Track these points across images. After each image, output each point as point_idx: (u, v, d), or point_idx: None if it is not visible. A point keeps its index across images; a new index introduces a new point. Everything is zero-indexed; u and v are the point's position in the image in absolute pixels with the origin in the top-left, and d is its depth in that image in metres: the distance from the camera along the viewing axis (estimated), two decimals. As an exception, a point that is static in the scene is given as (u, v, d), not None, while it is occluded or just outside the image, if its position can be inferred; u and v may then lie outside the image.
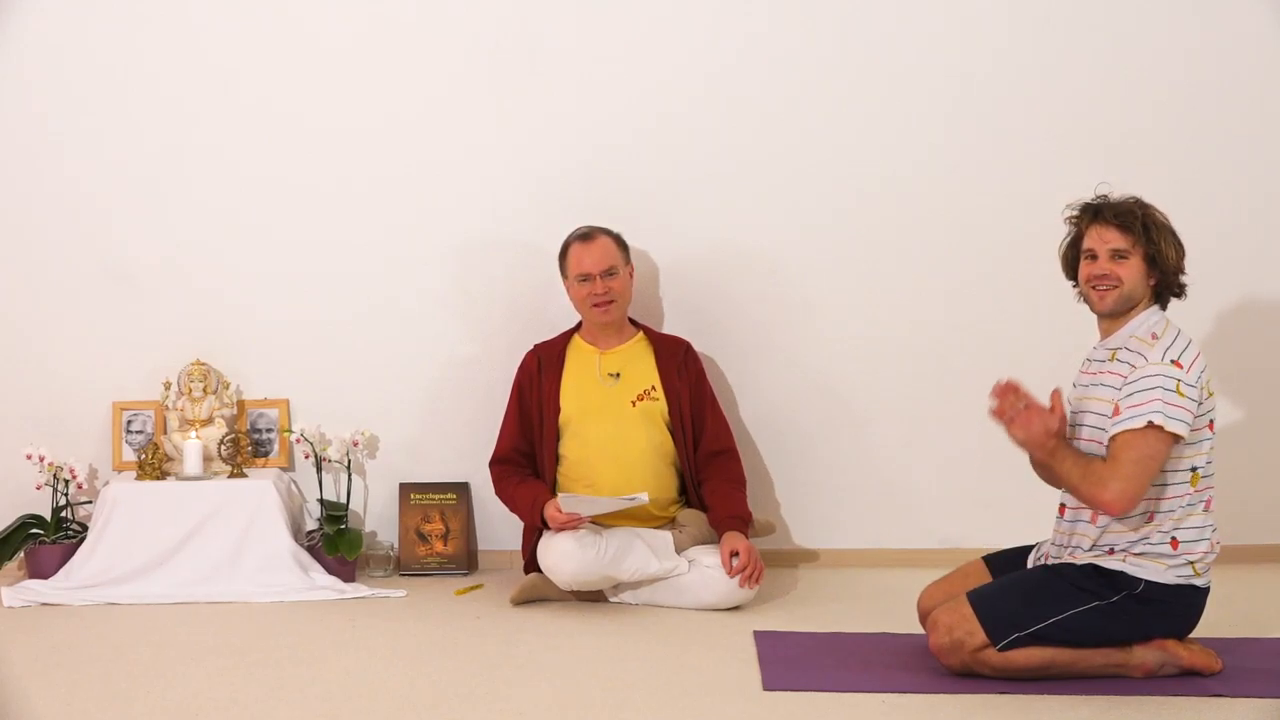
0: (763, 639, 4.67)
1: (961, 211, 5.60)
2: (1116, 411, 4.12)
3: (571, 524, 5.00)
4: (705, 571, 5.00)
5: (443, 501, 5.56)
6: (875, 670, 4.35)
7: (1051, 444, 4.15)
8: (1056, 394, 4.22)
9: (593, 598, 5.08)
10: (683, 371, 5.32)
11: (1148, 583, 4.16)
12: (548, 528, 5.07)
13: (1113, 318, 4.30)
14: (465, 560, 5.56)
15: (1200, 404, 4.13)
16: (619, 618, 4.93)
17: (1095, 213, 4.29)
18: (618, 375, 5.27)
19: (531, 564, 5.18)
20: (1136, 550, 4.17)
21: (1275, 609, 5.01)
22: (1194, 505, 4.17)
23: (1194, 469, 4.17)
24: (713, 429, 5.32)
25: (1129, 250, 4.25)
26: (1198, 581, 4.20)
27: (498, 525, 5.60)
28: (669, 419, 5.25)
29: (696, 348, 5.42)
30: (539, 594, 5.09)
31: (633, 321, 5.39)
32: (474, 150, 5.56)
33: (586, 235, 5.25)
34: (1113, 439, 4.11)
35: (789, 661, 4.44)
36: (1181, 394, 4.08)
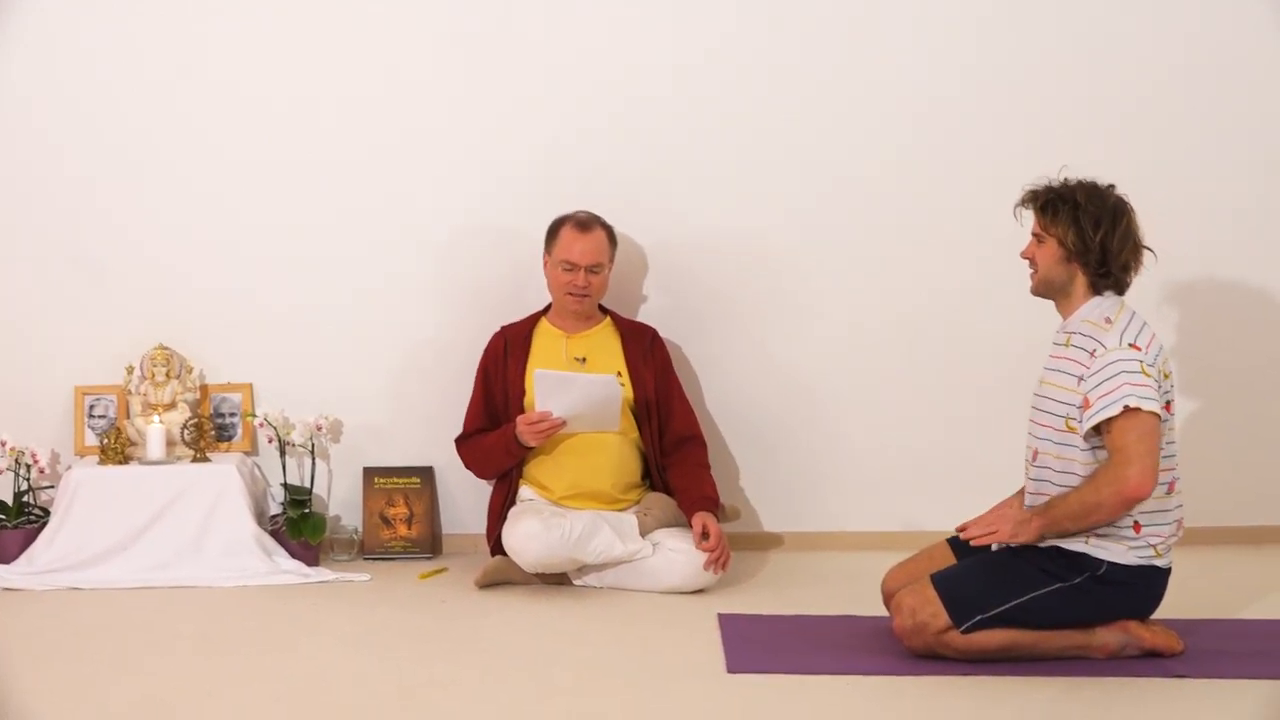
0: (727, 622, 4.66)
1: (934, 199, 5.59)
2: (1087, 405, 4.12)
3: (548, 429, 4.99)
4: (670, 555, 4.99)
5: (407, 485, 5.54)
6: (839, 652, 4.34)
7: (1035, 524, 4.16)
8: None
9: (557, 580, 5.07)
10: (649, 358, 5.31)
11: (1110, 564, 4.16)
12: (523, 449, 5.08)
13: (1057, 301, 4.31)
14: (429, 544, 5.54)
15: (1159, 385, 4.12)
16: (583, 600, 4.92)
17: (1030, 195, 4.31)
18: (584, 359, 5.25)
19: (496, 547, 5.16)
20: (1099, 532, 4.16)
21: (1237, 590, 5.02)
22: (1157, 488, 4.16)
23: None
24: (679, 415, 5.32)
25: (1042, 234, 4.26)
26: (1159, 563, 4.20)
27: (462, 509, 5.58)
28: (634, 404, 5.24)
29: (661, 333, 5.41)
30: (503, 577, 5.08)
31: (600, 307, 5.37)
32: (442, 134, 5.53)
33: (584, 225, 5.23)
34: (1107, 435, 4.10)
35: (753, 644, 4.44)
36: (1146, 374, 4.09)
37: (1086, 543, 4.17)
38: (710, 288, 5.62)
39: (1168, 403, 4.19)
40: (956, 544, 4.45)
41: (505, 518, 5.13)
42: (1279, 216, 5.65)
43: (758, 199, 5.59)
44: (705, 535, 5.01)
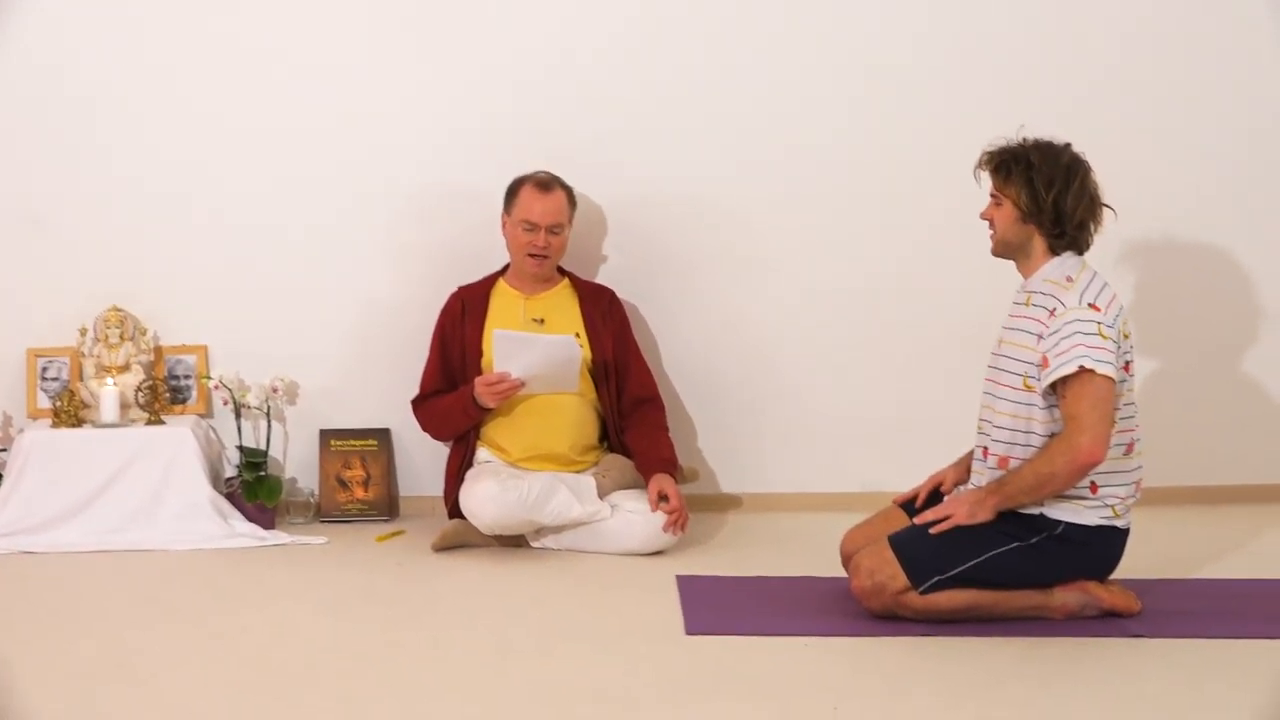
0: (685, 583, 4.66)
1: (893, 159, 5.57)
2: (1045, 363, 4.11)
3: (506, 390, 4.99)
4: (628, 516, 4.99)
5: (363, 447, 5.52)
6: (798, 614, 4.35)
7: (991, 501, 4.17)
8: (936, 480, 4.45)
9: (515, 543, 5.06)
10: (607, 319, 5.29)
11: (1067, 524, 4.17)
12: (481, 411, 5.07)
13: (1017, 261, 4.30)
14: (386, 506, 5.52)
15: (1118, 346, 4.12)
16: (541, 563, 4.92)
17: (985, 157, 4.30)
18: (542, 321, 5.23)
19: (454, 510, 5.14)
20: (1065, 492, 4.16)
21: (1195, 550, 5.04)
22: (1115, 449, 4.16)
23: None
24: (636, 376, 5.31)
25: (998, 195, 4.26)
26: (1118, 523, 4.21)
27: (419, 471, 5.57)
28: (592, 366, 5.22)
29: (619, 294, 5.39)
30: (461, 540, 5.07)
31: (559, 268, 5.35)
32: (399, 94, 5.49)
33: (545, 185, 5.20)
34: (1062, 400, 4.10)
35: (711, 605, 4.44)
36: (1104, 335, 4.08)
37: (1042, 503, 4.17)
38: (668, 248, 5.59)
39: (1127, 363, 4.18)
40: (909, 507, 4.45)
41: (463, 480, 5.11)
42: (1240, 174, 5.65)
43: (716, 160, 5.56)
44: (663, 498, 4.99)
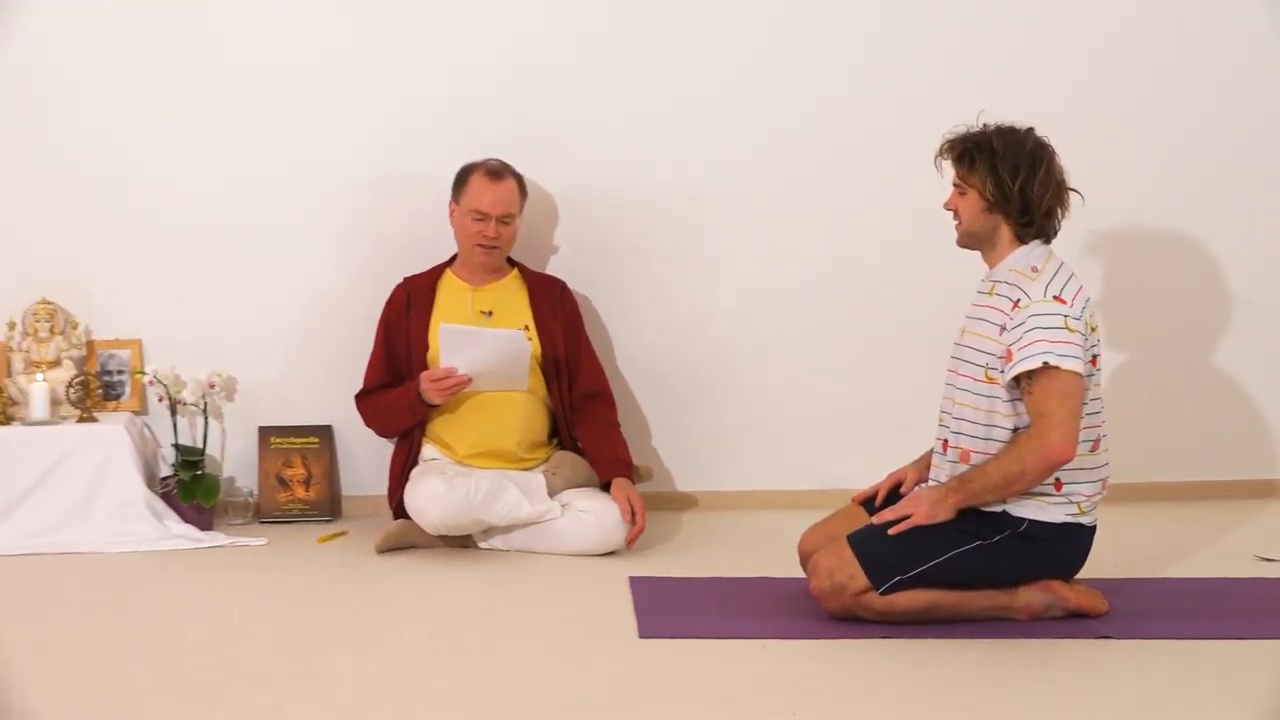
0: (639, 585, 4.66)
1: (853, 148, 5.59)
2: (1009, 356, 4.12)
3: (453, 386, 4.98)
4: (579, 515, 4.99)
5: (305, 445, 5.51)
6: (755, 615, 4.35)
7: (951, 500, 4.17)
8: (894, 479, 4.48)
9: (462, 543, 5.05)
10: (557, 311, 5.28)
11: (1031, 521, 4.18)
12: (427, 407, 5.06)
13: (983, 251, 4.31)
14: (328, 506, 5.51)
15: (1085, 339, 4.13)
16: (489, 564, 4.91)
17: (947, 145, 4.30)
18: (490, 313, 5.22)
19: (399, 509, 5.13)
20: (1032, 491, 4.17)
21: (1163, 548, 5.07)
22: (1081, 446, 4.17)
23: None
24: (587, 371, 5.31)
25: (962, 185, 4.27)
26: (1084, 520, 4.22)
27: (362, 470, 5.56)
28: (542, 360, 5.21)
29: (570, 286, 5.39)
30: (405, 540, 5.06)
31: (508, 259, 5.34)
32: (341, 78, 5.47)
33: (496, 172, 5.18)
34: (1028, 395, 4.10)
35: (666, 607, 4.44)
36: (1069, 329, 4.09)
37: (1005, 500, 4.18)
38: (621, 239, 5.59)
39: (1094, 357, 4.19)
40: (869, 505, 4.46)
41: (407, 478, 5.10)
42: (1211, 161, 5.68)
43: (671, 147, 5.56)
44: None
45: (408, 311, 5.24)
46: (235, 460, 5.56)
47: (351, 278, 5.51)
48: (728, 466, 5.69)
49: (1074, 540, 4.23)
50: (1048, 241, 4.27)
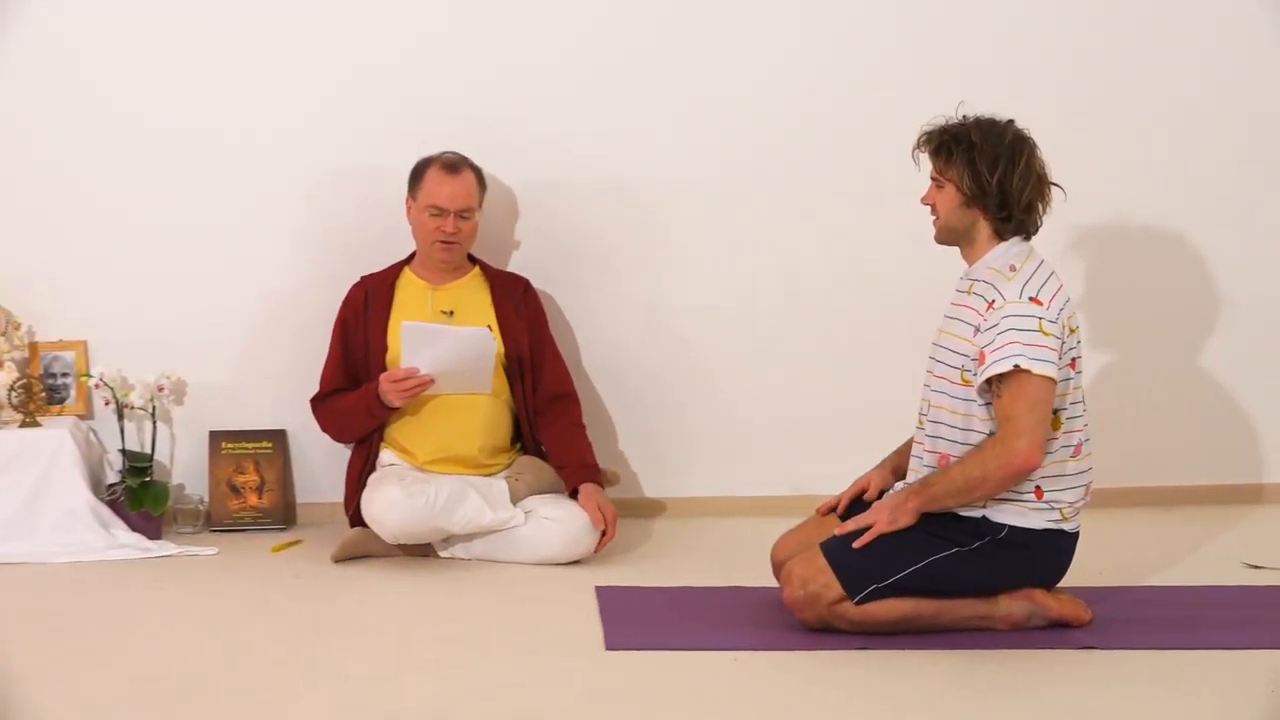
0: (605, 595, 4.65)
1: (826, 141, 5.60)
2: (983, 359, 4.12)
3: (414, 387, 4.96)
4: (543, 523, 4.98)
5: (257, 451, 5.50)
6: (726, 626, 4.35)
7: (912, 504, 4.17)
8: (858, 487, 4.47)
9: (421, 552, 5.04)
10: (521, 310, 5.28)
11: (1011, 527, 4.18)
12: (387, 410, 5.05)
13: (961, 248, 4.31)
14: (282, 514, 5.50)
15: (1063, 341, 4.13)
16: (450, 574, 4.91)
17: (924, 137, 4.30)
18: (451, 313, 5.21)
19: (356, 517, 5.12)
20: (998, 497, 4.17)
21: (1148, 555, 5.08)
22: (1061, 451, 4.18)
23: (1056, 411, 4.17)
24: (552, 371, 5.31)
25: (939, 178, 4.26)
26: (1066, 526, 4.22)
27: (318, 476, 5.55)
28: (506, 361, 5.21)
29: (534, 284, 5.38)
30: (363, 550, 5.05)
31: (469, 256, 5.33)
32: (297, 70, 5.46)
33: (453, 166, 5.17)
34: (997, 399, 4.10)
35: (634, 618, 4.43)
36: (1045, 332, 4.09)
37: (985, 506, 4.18)
38: (586, 235, 5.59)
39: (1074, 360, 4.19)
40: (856, 506, 4.44)
41: (365, 485, 5.09)
42: (1195, 156, 5.71)
43: (639, 140, 5.56)
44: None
45: (365, 311, 5.23)
46: (185, 466, 5.54)
47: (306, 276, 5.49)
48: (697, 471, 5.70)
49: (1056, 547, 4.23)
50: (1028, 238, 4.27)
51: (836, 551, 4.20)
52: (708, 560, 5.05)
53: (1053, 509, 4.19)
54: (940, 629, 4.21)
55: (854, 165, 5.57)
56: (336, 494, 5.34)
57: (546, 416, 5.26)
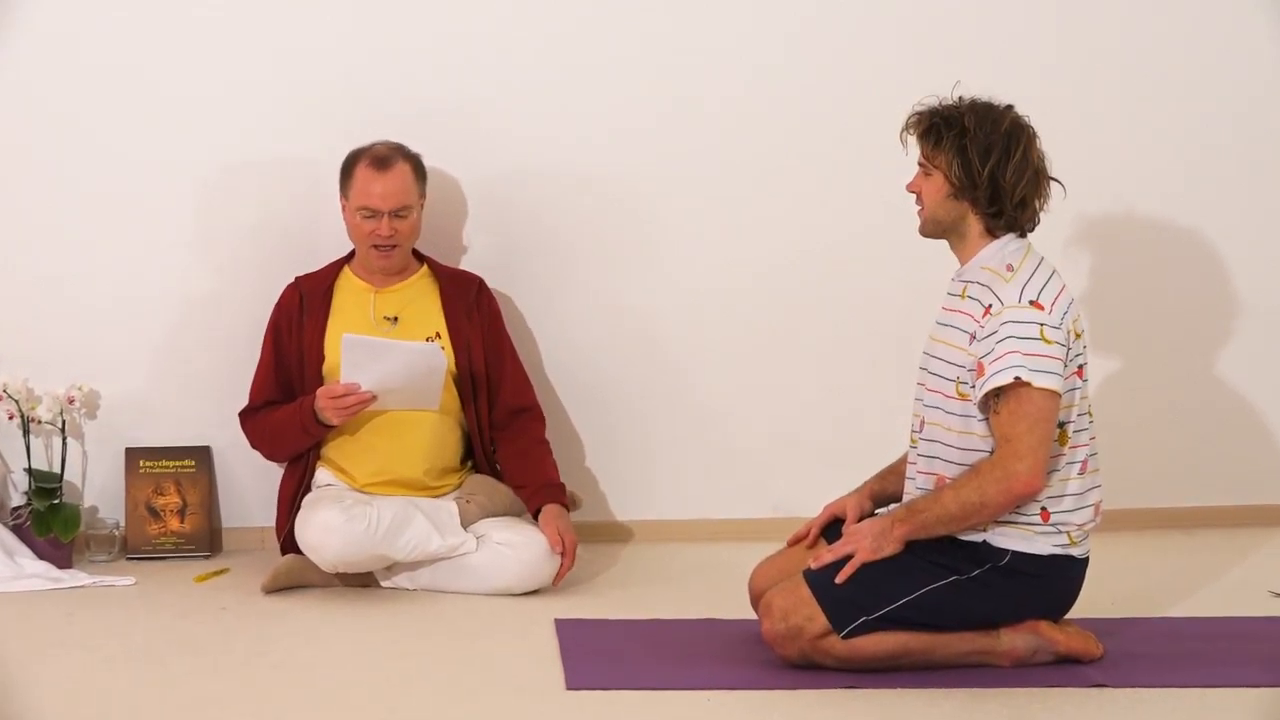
0: (566, 629, 4.65)
1: (808, 125, 5.60)
2: (981, 371, 4.11)
3: (355, 405, 4.96)
4: (497, 549, 4.98)
5: (179, 470, 5.48)
6: (699, 663, 4.35)
7: (898, 531, 4.17)
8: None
9: (362, 582, 5.04)
10: (474, 314, 5.27)
11: (1014, 553, 4.18)
12: (324, 428, 5.04)
13: (950, 243, 4.32)
14: (207, 540, 5.49)
15: (1068, 349, 4.13)
16: (393, 606, 4.90)
17: (913, 119, 4.31)
18: (395, 319, 5.21)
19: (288, 543, 5.11)
20: (999, 520, 4.17)
21: (1164, 583, 5.10)
22: (1068, 468, 4.19)
23: (1061, 425, 4.18)
24: (511, 382, 5.30)
25: (927, 165, 4.28)
26: (1074, 552, 4.23)
27: (246, 498, 5.54)
28: (456, 371, 5.20)
29: (489, 283, 5.38)
30: (297, 579, 5.04)
31: (416, 253, 5.31)
32: (217, 50, 5.45)
33: (383, 160, 5.14)
34: (994, 415, 4.11)
35: (597, 655, 4.43)
36: (1047, 340, 4.09)
37: (985, 530, 4.18)
38: (546, 230, 5.59)
39: (1079, 368, 4.20)
40: (832, 533, 4.44)
41: (299, 507, 5.08)
42: (1208, 145, 5.73)
43: (599, 126, 5.57)
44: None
45: (300, 316, 5.22)
46: (98, 487, 5.52)
47: (233, 277, 5.48)
48: (668, 491, 5.71)
49: (1063, 575, 4.24)
50: (1023, 235, 4.27)
51: (821, 580, 4.19)
52: (679, 590, 5.06)
53: (1060, 532, 4.18)
54: (936, 665, 4.21)
55: (837, 151, 5.59)
56: (267, 518, 5.32)
57: (505, 433, 5.26)
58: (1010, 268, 4.19)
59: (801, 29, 5.56)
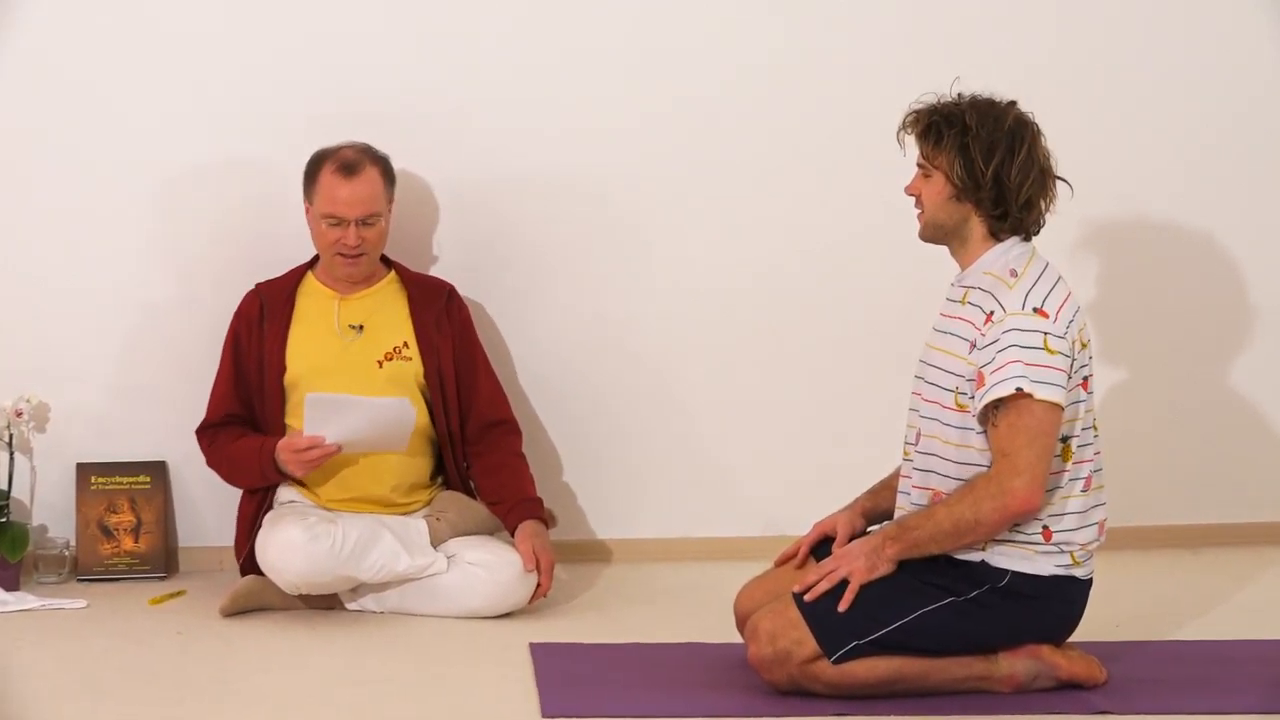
0: (542, 653, 4.65)
1: (801, 122, 5.62)
2: (981, 381, 4.11)
3: (319, 458, 4.95)
4: (469, 570, 4.97)
5: (133, 486, 5.48)
6: (682, 690, 4.35)
7: (890, 550, 4.16)
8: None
9: (326, 604, 5.03)
10: (443, 323, 5.26)
11: (1014, 574, 4.17)
12: (284, 476, 5.04)
13: (951, 247, 4.31)
14: (162, 561, 5.48)
15: (1073, 359, 4.12)
16: (360, 629, 4.89)
17: (912, 118, 4.30)
18: (360, 328, 5.20)
19: (249, 564, 5.10)
20: (998, 538, 4.16)
21: (1171, 605, 5.10)
22: (1070, 485, 4.19)
23: (1065, 439, 4.18)
24: (486, 395, 5.30)
25: (927, 165, 4.27)
26: (1078, 572, 4.22)
27: (204, 516, 5.54)
28: (425, 383, 5.20)
29: (460, 289, 5.37)
30: (257, 601, 5.03)
31: (383, 259, 5.31)
32: (177, 47, 5.44)
33: (350, 166, 5.12)
34: (993, 428, 4.10)
35: (574, 681, 4.43)
36: (1050, 350, 4.08)
37: (984, 550, 4.17)
38: (520, 235, 5.59)
39: (1085, 379, 4.19)
40: (822, 552, 4.42)
41: (259, 526, 5.07)
42: (1222, 144, 5.74)
43: (577, 125, 5.57)
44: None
45: (261, 325, 5.21)
46: (48, 505, 5.52)
47: (191, 284, 5.48)
48: (651, 509, 5.71)
49: (1066, 596, 4.23)
50: (1028, 239, 4.27)
51: (811, 602, 4.18)
52: (661, 612, 5.07)
53: (1063, 552, 4.18)
54: (931, 691, 4.21)
55: (831, 152, 5.60)
56: (226, 537, 5.31)
57: (479, 448, 5.26)
58: (1014, 273, 4.19)
59: (789, 23, 5.57)
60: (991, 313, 4.15)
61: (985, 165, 4.17)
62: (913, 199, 4.33)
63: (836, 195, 5.60)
